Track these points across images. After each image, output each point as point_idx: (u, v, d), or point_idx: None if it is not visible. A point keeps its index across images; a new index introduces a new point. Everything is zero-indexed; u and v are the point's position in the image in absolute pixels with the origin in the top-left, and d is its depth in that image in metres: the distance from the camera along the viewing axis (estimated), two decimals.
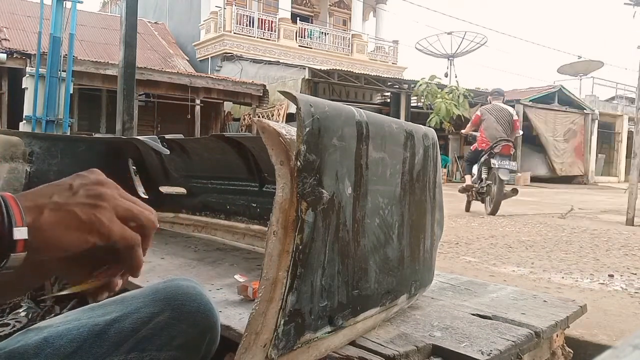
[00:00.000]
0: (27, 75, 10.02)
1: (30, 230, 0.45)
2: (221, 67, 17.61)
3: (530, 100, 18.56)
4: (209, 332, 0.71)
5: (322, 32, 20.52)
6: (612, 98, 23.42)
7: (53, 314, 2.00)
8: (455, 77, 19.74)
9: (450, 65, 20.35)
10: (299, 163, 0.77)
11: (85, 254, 0.50)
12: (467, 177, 6.36)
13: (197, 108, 14.02)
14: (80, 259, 0.52)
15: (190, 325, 0.69)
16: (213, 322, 0.72)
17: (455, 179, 18.60)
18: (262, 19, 18.92)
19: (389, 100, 17.46)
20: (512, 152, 6.01)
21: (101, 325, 0.66)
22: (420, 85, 15.23)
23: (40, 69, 9.28)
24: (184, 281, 0.73)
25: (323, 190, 0.82)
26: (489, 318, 1.24)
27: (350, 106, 0.94)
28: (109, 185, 0.52)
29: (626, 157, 20.58)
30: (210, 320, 0.71)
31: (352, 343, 1.01)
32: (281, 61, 16.17)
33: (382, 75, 17.46)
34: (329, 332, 0.89)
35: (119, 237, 0.50)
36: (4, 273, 0.46)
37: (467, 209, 6.40)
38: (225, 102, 15.66)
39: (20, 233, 0.45)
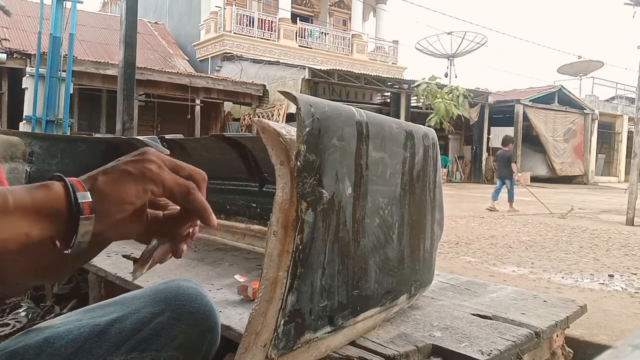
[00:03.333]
0: (27, 75, 10.02)
1: (91, 194, 0.49)
2: (221, 67, 17.60)
3: (530, 100, 18.55)
4: (210, 332, 0.71)
5: (322, 32, 20.50)
6: (612, 98, 23.41)
7: (53, 314, 2.00)
8: (455, 77, 19.74)
9: (450, 65, 20.33)
10: (299, 163, 0.77)
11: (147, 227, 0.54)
12: None
13: (197, 108, 14.02)
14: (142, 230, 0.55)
15: (190, 326, 0.69)
16: (213, 323, 0.72)
17: (455, 179, 18.58)
18: (262, 19, 18.90)
19: (389, 100, 17.45)
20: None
21: (102, 326, 0.66)
22: (420, 85, 15.22)
23: (40, 69, 9.28)
24: (184, 281, 0.73)
25: (323, 190, 0.82)
26: (489, 318, 1.24)
27: (350, 106, 0.94)
28: (153, 150, 0.55)
29: (626, 157, 20.58)
30: (210, 321, 0.71)
31: (352, 343, 1.01)
32: (281, 61, 16.16)
33: (382, 75, 17.46)
34: (329, 332, 0.89)
35: (172, 184, 0.53)
36: (77, 248, 0.48)
37: None
38: (225, 102, 15.66)
39: (83, 196, 0.48)
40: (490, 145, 18.98)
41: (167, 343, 0.67)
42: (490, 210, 7.29)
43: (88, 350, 0.64)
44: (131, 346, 0.65)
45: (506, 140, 8.00)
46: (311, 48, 19.75)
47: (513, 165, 7.72)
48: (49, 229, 0.47)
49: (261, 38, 18.63)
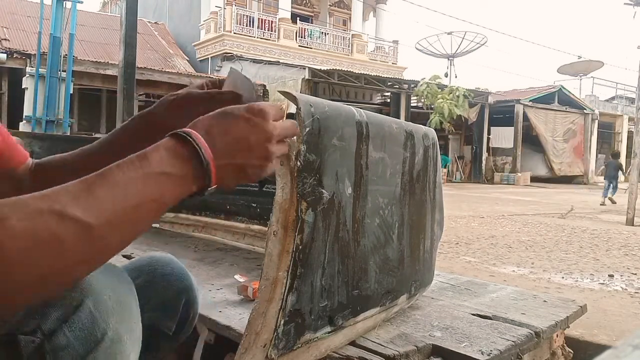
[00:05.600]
0: (27, 75, 10.02)
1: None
2: (221, 67, 17.58)
3: (530, 100, 18.54)
4: (184, 293, 0.76)
5: (322, 32, 20.48)
6: (612, 98, 23.41)
7: None
8: (455, 77, 19.74)
9: (450, 65, 20.33)
10: (299, 163, 0.77)
11: None
12: None
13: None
14: None
15: (164, 287, 0.74)
16: (188, 285, 0.76)
17: (455, 179, 18.57)
18: (262, 19, 18.89)
19: (389, 100, 17.45)
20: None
21: None
22: (421, 85, 15.22)
23: (40, 69, 9.29)
24: (157, 252, 0.78)
25: (323, 190, 0.82)
26: (489, 318, 1.24)
27: (350, 106, 0.94)
28: (274, 136, 0.59)
29: (626, 157, 20.58)
30: (184, 282, 0.76)
31: (352, 343, 1.01)
32: (281, 61, 16.15)
33: (382, 75, 17.45)
34: (329, 332, 0.89)
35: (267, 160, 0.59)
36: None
37: None
38: None
39: (210, 190, 0.56)
40: (490, 145, 18.97)
41: (144, 304, 0.69)
42: (604, 204, 9.45)
43: None
44: None
45: (616, 155, 11.78)
46: (311, 48, 19.73)
47: (620, 172, 10.49)
48: (182, 193, 0.52)
49: (261, 38, 18.62)
